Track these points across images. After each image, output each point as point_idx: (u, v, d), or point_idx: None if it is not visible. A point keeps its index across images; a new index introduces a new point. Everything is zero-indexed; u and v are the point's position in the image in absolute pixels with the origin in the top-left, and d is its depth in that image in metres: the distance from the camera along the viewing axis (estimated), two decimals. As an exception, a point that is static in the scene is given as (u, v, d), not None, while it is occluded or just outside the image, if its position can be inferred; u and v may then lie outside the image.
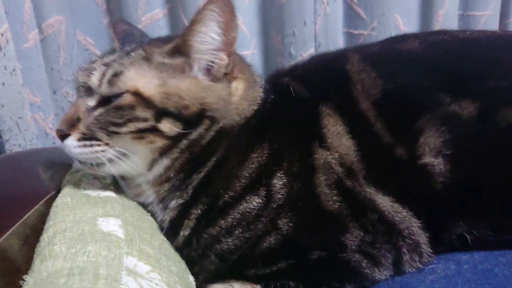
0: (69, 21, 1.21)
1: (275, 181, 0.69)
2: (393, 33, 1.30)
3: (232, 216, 0.69)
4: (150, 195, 0.75)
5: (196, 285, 0.69)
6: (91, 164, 0.71)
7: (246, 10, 1.31)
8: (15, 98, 1.07)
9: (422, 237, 0.70)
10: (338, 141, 0.71)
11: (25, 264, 0.57)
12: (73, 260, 0.52)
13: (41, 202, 0.71)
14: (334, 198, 0.68)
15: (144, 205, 0.76)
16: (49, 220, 0.65)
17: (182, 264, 0.69)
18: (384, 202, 0.69)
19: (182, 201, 0.72)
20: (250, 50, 1.33)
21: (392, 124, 0.71)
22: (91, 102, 0.71)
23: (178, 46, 0.72)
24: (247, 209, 0.68)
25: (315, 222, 0.68)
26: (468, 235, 0.70)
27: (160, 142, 0.70)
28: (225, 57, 0.73)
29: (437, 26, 1.36)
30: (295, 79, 0.81)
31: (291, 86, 0.78)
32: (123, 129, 0.68)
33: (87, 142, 0.69)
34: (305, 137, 0.73)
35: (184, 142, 0.71)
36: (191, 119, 0.70)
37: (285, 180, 0.69)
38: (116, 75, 0.69)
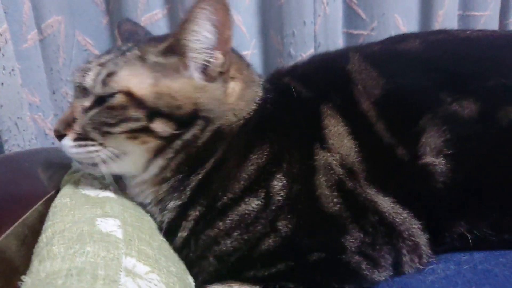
0: (68, 22, 1.21)
1: (274, 182, 0.69)
2: (393, 33, 1.30)
3: (231, 218, 0.68)
4: (148, 196, 0.75)
5: (196, 286, 0.68)
6: (88, 164, 0.72)
7: (245, 10, 1.31)
8: (14, 98, 1.06)
9: (422, 239, 0.70)
10: (340, 142, 0.70)
11: (23, 264, 0.57)
12: (71, 260, 0.51)
13: (39, 203, 0.71)
14: (335, 200, 0.67)
15: (143, 205, 0.76)
16: (47, 221, 0.65)
17: (181, 265, 0.69)
18: (385, 203, 0.68)
19: (180, 202, 0.72)
20: (249, 50, 1.33)
21: (393, 124, 0.70)
22: (87, 102, 0.71)
23: (172, 45, 0.71)
24: (246, 211, 0.68)
25: (315, 224, 0.68)
26: (469, 234, 0.70)
27: (153, 142, 0.69)
28: (220, 56, 0.72)
29: (436, 26, 1.36)
30: (295, 79, 0.80)
31: (292, 86, 0.77)
32: (116, 129, 0.68)
33: (82, 142, 0.70)
34: (306, 138, 0.72)
35: (178, 143, 0.70)
36: (184, 119, 0.69)
37: (284, 181, 0.68)
38: (110, 75, 0.69)
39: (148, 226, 0.70)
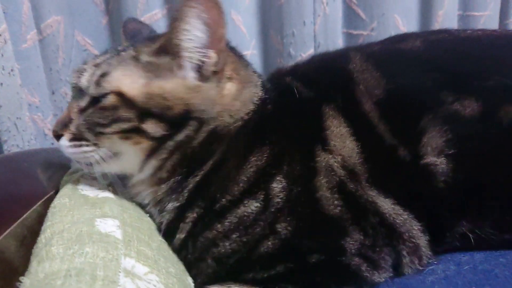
0: (67, 22, 1.20)
1: (274, 184, 0.68)
2: (393, 33, 1.29)
3: (229, 220, 0.67)
4: (146, 196, 0.75)
5: (195, 287, 0.68)
6: (85, 163, 0.72)
7: (245, 10, 1.31)
8: (13, 99, 1.06)
9: (422, 240, 0.69)
10: (342, 143, 0.70)
11: (22, 265, 0.57)
12: (70, 261, 0.51)
13: (38, 203, 0.71)
14: (336, 202, 0.67)
15: (142, 206, 0.76)
16: (46, 221, 0.64)
17: (180, 266, 0.69)
18: (386, 204, 0.68)
19: (178, 204, 0.71)
20: (249, 50, 1.33)
21: (395, 125, 0.70)
22: (83, 103, 0.71)
23: (164, 45, 0.70)
24: (245, 213, 0.67)
25: (315, 226, 0.67)
26: (471, 234, 0.69)
27: (146, 143, 0.69)
28: (213, 54, 0.70)
29: (436, 26, 1.36)
30: (297, 78, 0.79)
31: (294, 87, 0.76)
32: (108, 130, 0.68)
33: (77, 143, 0.70)
34: (307, 140, 0.72)
35: (170, 143, 0.70)
36: (175, 120, 0.69)
37: (284, 183, 0.68)
38: (103, 75, 0.70)
39: (147, 227, 0.70)
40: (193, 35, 0.68)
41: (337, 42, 1.34)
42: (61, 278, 0.48)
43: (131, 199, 0.76)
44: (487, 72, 0.72)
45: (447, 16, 1.36)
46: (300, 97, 0.75)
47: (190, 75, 0.70)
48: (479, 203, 0.69)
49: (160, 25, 1.23)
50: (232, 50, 0.79)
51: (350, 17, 1.36)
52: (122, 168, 0.74)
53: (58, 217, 0.64)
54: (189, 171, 0.71)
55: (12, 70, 1.05)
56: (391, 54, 0.80)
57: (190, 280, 0.68)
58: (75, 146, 0.71)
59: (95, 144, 0.70)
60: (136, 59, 0.71)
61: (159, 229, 0.73)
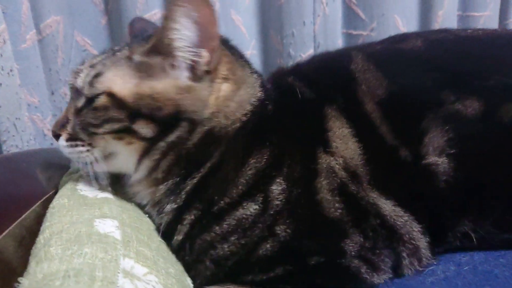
0: (67, 22, 1.20)
1: (274, 187, 0.67)
2: (393, 33, 1.28)
3: (228, 222, 0.67)
4: (145, 196, 0.75)
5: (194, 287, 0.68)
6: (82, 163, 0.72)
7: (245, 10, 1.31)
8: (13, 99, 1.06)
9: (422, 242, 0.69)
10: (344, 144, 0.69)
11: (20, 266, 0.57)
12: (69, 262, 0.51)
13: (37, 203, 0.70)
14: (336, 205, 0.66)
15: (140, 206, 0.76)
16: (45, 222, 0.64)
17: (179, 266, 0.69)
18: (386, 206, 0.68)
19: (175, 205, 0.71)
20: (249, 50, 1.33)
21: (397, 125, 0.70)
22: (79, 103, 0.71)
23: (155, 44, 0.69)
24: (243, 215, 0.66)
25: (315, 228, 0.67)
26: (473, 233, 0.69)
27: (138, 144, 0.69)
28: (205, 53, 0.69)
29: (436, 26, 1.36)
30: (299, 78, 0.78)
31: (296, 87, 0.75)
32: (100, 130, 0.69)
33: (73, 143, 0.71)
34: (308, 141, 0.71)
35: (162, 144, 0.69)
36: (166, 121, 0.68)
37: (284, 185, 0.67)
38: (96, 76, 0.70)
39: (146, 227, 0.70)
40: (183, 34, 0.67)
41: (337, 42, 1.34)
42: (60, 279, 0.48)
43: (130, 199, 0.76)
44: (488, 72, 0.72)
45: (447, 16, 1.36)
46: (302, 97, 0.74)
47: (183, 75, 0.70)
48: (480, 202, 0.69)
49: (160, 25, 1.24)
50: (231, 49, 0.78)
51: (350, 17, 1.36)
52: (118, 168, 0.74)
53: (57, 217, 0.64)
54: (187, 173, 0.71)
55: (11, 70, 1.05)
56: (392, 54, 0.80)
57: (189, 281, 0.68)
58: (71, 146, 0.71)
59: (89, 144, 0.70)
60: (129, 59, 0.70)
61: (158, 230, 0.73)
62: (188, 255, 0.69)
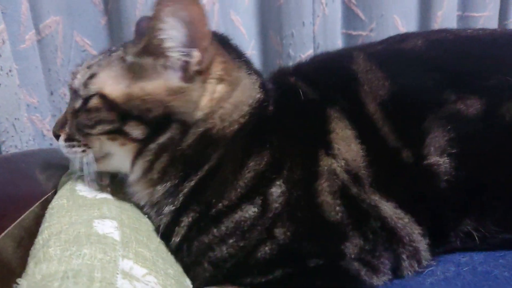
0: (66, 22, 1.20)
1: (273, 189, 0.66)
2: (392, 34, 1.29)
3: (226, 225, 0.66)
4: (143, 197, 0.74)
5: (193, 288, 0.68)
6: (80, 163, 0.73)
7: (244, 11, 1.31)
8: (12, 99, 1.06)
9: (422, 244, 0.69)
10: (347, 146, 0.69)
11: (19, 266, 0.56)
12: (67, 262, 0.51)
13: (36, 204, 0.70)
14: (337, 208, 0.66)
15: (139, 207, 0.75)
16: (44, 222, 0.64)
17: (179, 267, 0.68)
18: (388, 208, 0.67)
19: (173, 207, 0.70)
20: (248, 51, 1.32)
21: (399, 127, 0.70)
22: (77, 104, 0.72)
23: (146, 45, 0.68)
24: (242, 218, 0.66)
25: (315, 230, 0.66)
26: (475, 232, 0.69)
27: (130, 145, 0.70)
28: (197, 53, 0.67)
29: (435, 27, 1.36)
30: (301, 78, 0.78)
31: (299, 87, 0.74)
32: (93, 131, 0.69)
33: (70, 143, 0.72)
34: (310, 143, 0.70)
35: (153, 146, 0.69)
36: (156, 122, 0.67)
37: (284, 188, 0.66)
38: (91, 77, 0.70)
39: (145, 228, 0.70)
40: (172, 34, 0.66)
41: (336, 42, 1.34)
42: (59, 280, 0.47)
43: (130, 198, 0.76)
44: (488, 71, 0.72)
45: (446, 16, 1.36)
46: (304, 98, 0.73)
47: (175, 76, 0.69)
48: (482, 201, 0.69)
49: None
50: (229, 48, 0.76)
51: (349, 17, 1.36)
52: (115, 167, 0.75)
53: (56, 218, 0.64)
54: (184, 175, 0.70)
55: (10, 70, 1.04)
56: (393, 54, 0.80)
57: (188, 282, 0.68)
58: (69, 146, 0.72)
59: (85, 145, 0.71)
60: (123, 60, 0.70)
61: (157, 231, 0.72)
62: (186, 256, 0.69)
